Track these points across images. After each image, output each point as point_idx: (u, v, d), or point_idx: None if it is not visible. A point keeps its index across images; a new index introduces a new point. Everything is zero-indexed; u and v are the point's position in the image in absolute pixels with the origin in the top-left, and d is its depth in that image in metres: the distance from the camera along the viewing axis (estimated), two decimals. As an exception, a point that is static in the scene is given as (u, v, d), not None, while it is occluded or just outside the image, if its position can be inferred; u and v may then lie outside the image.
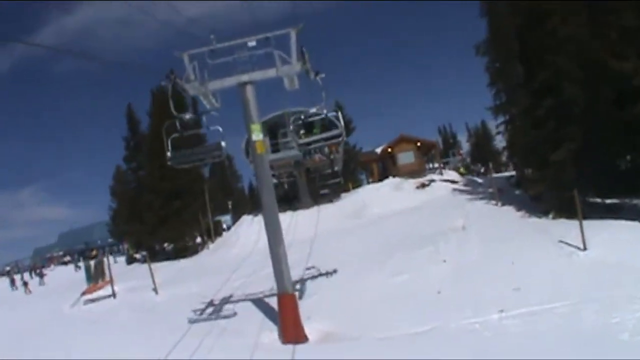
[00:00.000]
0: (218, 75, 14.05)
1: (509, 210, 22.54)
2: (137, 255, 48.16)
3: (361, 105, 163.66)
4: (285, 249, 14.50)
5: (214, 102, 14.45)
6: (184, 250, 40.19)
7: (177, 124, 14.28)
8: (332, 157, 37.62)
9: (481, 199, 27.77)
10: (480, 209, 24.26)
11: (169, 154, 14.52)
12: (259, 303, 17.06)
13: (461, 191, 35.01)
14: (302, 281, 18.36)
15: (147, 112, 45.93)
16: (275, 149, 36.71)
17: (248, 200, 79.60)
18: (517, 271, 14.38)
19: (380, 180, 43.57)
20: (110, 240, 72.20)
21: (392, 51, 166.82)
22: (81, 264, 44.01)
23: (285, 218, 35.25)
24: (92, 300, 23.70)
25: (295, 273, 19.10)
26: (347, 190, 45.17)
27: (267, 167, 13.94)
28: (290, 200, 40.83)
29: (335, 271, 18.73)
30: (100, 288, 25.89)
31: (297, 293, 16.50)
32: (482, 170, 60.26)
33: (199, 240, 42.51)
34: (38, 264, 68.39)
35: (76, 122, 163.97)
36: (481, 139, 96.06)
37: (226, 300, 18.51)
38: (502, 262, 15.25)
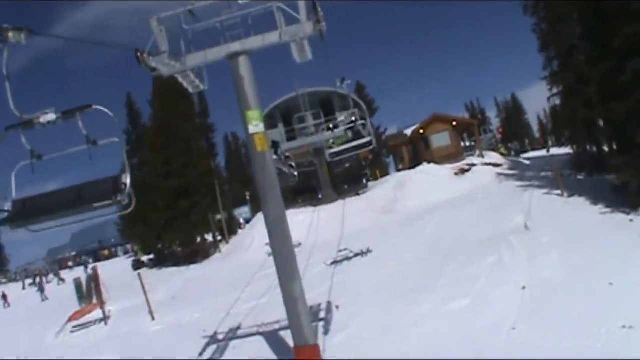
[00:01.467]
0: (201, 46, 10.63)
1: (581, 203, 18.84)
2: (145, 259, 45.31)
3: (384, 83, 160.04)
4: (302, 285, 11.00)
5: (198, 83, 11.05)
6: (194, 255, 37.22)
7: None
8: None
9: (538, 187, 24.05)
10: (542, 201, 20.58)
11: None
12: (273, 340, 13.78)
13: (508, 176, 31.38)
14: (328, 308, 14.99)
15: (148, 101, 42.93)
16: (290, 136, 33.35)
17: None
18: (621, 297, 10.84)
19: (412, 166, 39.99)
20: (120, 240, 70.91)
21: (413, 26, 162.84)
22: (90, 267, 41.27)
23: (306, 215, 32.26)
24: (81, 326, 21.13)
25: (317, 294, 15.96)
26: (374, 178, 41.93)
27: (272, 171, 10.49)
28: (310, 192, 37.62)
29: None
30: (91, 310, 23.15)
31: (320, 327, 13.24)
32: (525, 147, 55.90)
33: (212, 238, 39.41)
34: (44, 269, 66.80)
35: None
36: (512, 113, 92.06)
37: (233, 333, 15.32)
38: (594, 282, 11.73)
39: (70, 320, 21.96)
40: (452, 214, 23.16)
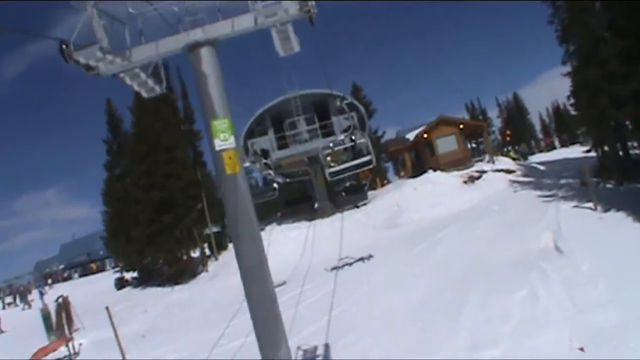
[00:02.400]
0: (153, 36, 8.35)
1: (621, 220, 16.51)
2: (129, 277, 42.93)
3: (380, 83, 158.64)
4: (289, 352, 8.61)
5: (152, 85, 8.77)
6: (180, 274, 34.94)
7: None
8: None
9: (563, 198, 21.84)
10: (571, 216, 18.31)
11: None
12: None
13: (523, 185, 29.22)
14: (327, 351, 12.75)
15: (128, 107, 40.66)
16: (282, 143, 31.18)
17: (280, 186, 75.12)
18: None
19: (415, 174, 37.81)
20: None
21: (413, 25, 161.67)
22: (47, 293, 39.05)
23: (300, 231, 30.02)
24: (45, 367, 19.00)
25: (312, 332, 13.75)
26: (374, 187, 39.76)
27: (246, 199, 8.11)
28: (304, 202, 35.48)
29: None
30: (58, 346, 21.05)
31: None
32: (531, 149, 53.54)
33: (200, 254, 37.21)
34: (31, 285, 64.96)
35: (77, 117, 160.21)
36: (514, 113, 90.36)
37: (211, 388, 13.08)
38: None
39: (32, 358, 19.89)
40: (466, 230, 20.95)
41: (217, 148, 7.75)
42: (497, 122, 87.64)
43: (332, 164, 25.30)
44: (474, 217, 23.10)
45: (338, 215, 30.82)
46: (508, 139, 54.09)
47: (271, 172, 34.07)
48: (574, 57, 24.25)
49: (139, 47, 8.20)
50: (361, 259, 21.85)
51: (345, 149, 25.71)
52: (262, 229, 31.87)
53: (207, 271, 34.71)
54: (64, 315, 22.82)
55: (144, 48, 8.17)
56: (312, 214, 32.70)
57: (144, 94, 8.94)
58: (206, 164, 42.21)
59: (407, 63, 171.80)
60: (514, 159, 41.51)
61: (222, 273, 30.97)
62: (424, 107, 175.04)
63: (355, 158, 24.83)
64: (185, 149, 38.75)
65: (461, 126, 36.87)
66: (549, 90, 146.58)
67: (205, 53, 7.85)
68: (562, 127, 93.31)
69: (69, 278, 73.34)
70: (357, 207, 31.82)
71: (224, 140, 7.74)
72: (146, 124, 36.70)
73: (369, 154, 24.25)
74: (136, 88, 8.77)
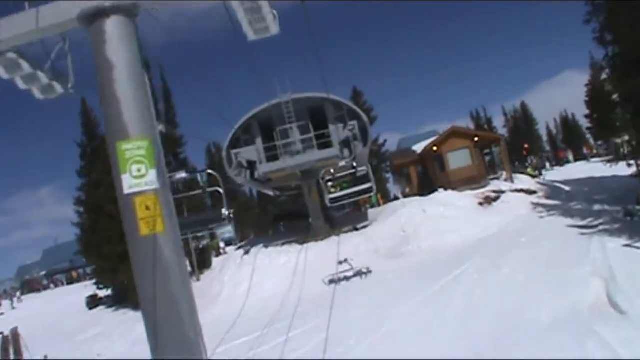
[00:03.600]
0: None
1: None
2: (102, 294, 39.77)
3: (382, 89, 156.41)
4: None
5: (47, 81, 5.68)
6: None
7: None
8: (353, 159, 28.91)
9: (607, 232, 18.86)
10: (623, 258, 15.29)
11: None
12: None
13: (549, 209, 26.34)
14: None
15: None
16: (272, 154, 28.21)
17: (256, 205, 72.05)
18: None
19: (422, 192, 34.79)
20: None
21: (415, 26, 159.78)
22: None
23: (290, 257, 27.05)
24: None
25: None
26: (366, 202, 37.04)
27: (175, 279, 5.00)
28: (295, 219, 32.61)
29: None
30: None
31: None
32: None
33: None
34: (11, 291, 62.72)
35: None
36: (521, 124, 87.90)
37: None
38: None
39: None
40: (489, 268, 17.95)
41: (127, 190, 4.74)
42: (502, 132, 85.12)
43: (332, 190, 26.03)
44: (496, 251, 20.14)
45: (334, 239, 27.81)
46: (525, 153, 50.70)
47: (258, 186, 31.24)
48: (612, 62, 21.50)
49: (10, 17, 5.21)
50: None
51: (342, 148, 26.09)
52: (247, 251, 29.19)
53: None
54: (11, 350, 19.86)
55: (15, 20, 5.15)
56: (304, 236, 29.71)
57: (37, 95, 5.94)
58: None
59: (409, 67, 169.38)
60: (532, 177, 38.57)
61: (202, 299, 27.88)
62: (427, 113, 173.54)
63: (355, 184, 25.60)
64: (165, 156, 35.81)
65: (476, 139, 33.92)
66: (549, 99, 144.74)
67: (111, 26, 4.84)
68: (571, 140, 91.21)
69: (48, 287, 70.55)
70: (356, 229, 28.82)
71: (138, 176, 4.73)
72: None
73: (369, 181, 25.03)
74: (20, 85, 5.77)
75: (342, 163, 27.32)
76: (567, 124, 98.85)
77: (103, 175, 34.80)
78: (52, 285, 67.33)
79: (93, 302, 39.09)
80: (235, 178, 29.25)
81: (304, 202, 33.62)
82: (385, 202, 48.91)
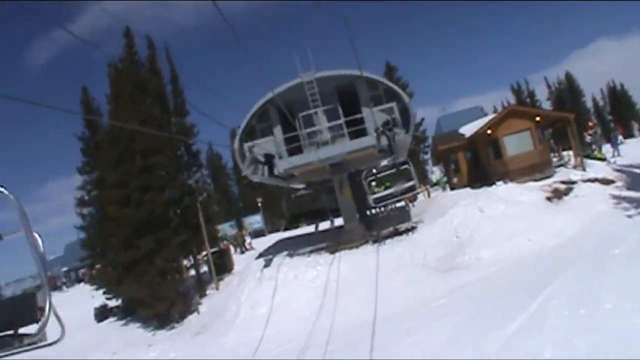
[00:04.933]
0: None
1: None
2: (113, 305, 36.53)
3: (416, 62, 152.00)
4: None
5: None
6: (168, 311, 28.76)
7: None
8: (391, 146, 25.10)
9: None
10: None
11: None
12: None
13: (637, 204, 21.89)
14: None
15: (106, 95, 34.11)
16: (294, 146, 24.31)
17: (286, 192, 69.01)
18: None
19: (473, 184, 30.61)
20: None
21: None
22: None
23: (320, 271, 23.22)
24: None
25: None
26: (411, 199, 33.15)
27: None
28: (313, 218, 29.08)
29: None
30: None
31: None
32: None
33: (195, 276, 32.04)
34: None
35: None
36: (565, 95, 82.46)
37: None
38: None
39: None
40: (581, 296, 13.77)
41: None
42: (545, 105, 79.98)
43: (376, 190, 26.93)
44: (583, 268, 15.94)
45: (371, 246, 23.90)
46: (590, 131, 45.35)
47: (279, 183, 27.53)
48: None
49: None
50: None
51: (378, 136, 23.47)
52: (268, 262, 25.50)
53: (198, 312, 28.30)
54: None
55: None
56: (335, 241, 25.87)
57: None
58: (201, 168, 35.80)
59: (442, 39, 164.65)
60: (601, 160, 33.93)
61: (215, 322, 24.52)
62: (462, 87, 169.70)
63: (398, 182, 26.37)
64: (172, 150, 32.09)
65: (538, 119, 29.34)
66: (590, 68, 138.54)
67: None
68: (620, 112, 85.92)
69: (64, 285, 68.24)
70: (399, 232, 24.78)
71: None
72: (121, 119, 30.32)
73: (412, 179, 26.02)
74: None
75: (384, 161, 27.04)
76: (616, 95, 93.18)
77: (107, 172, 31.57)
78: (64, 287, 64.74)
79: (102, 314, 36.10)
80: (250, 176, 25.44)
81: (325, 197, 30.31)
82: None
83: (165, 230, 29.16)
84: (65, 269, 77.39)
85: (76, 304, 42.58)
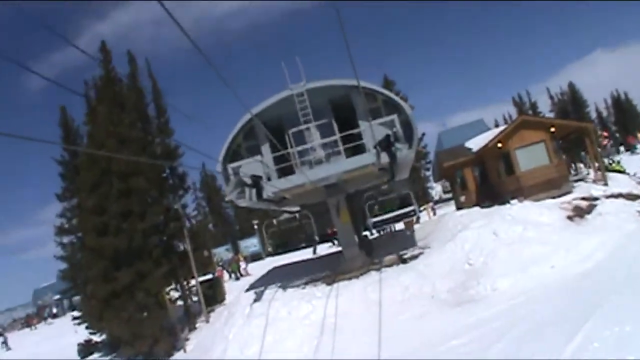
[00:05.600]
0: None
1: None
2: (98, 339, 34.16)
3: (412, 77, 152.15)
4: None
5: None
6: (153, 346, 27.02)
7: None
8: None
9: None
10: None
11: None
12: None
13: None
14: None
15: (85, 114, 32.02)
16: (285, 167, 22.11)
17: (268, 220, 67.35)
18: None
19: (482, 202, 28.51)
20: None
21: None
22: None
23: (315, 305, 20.94)
24: None
25: None
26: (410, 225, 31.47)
27: None
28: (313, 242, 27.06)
29: None
30: None
31: None
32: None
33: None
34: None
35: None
36: (568, 105, 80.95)
37: None
38: None
39: None
40: (625, 340, 11.52)
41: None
42: (549, 116, 78.75)
43: (378, 212, 27.19)
44: (617, 301, 13.67)
45: (374, 276, 21.67)
46: (605, 142, 43.07)
47: (269, 206, 25.39)
48: None
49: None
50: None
51: (378, 152, 21.36)
52: (259, 295, 23.27)
53: (184, 350, 26.16)
54: None
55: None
56: (333, 270, 23.66)
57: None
58: (188, 190, 33.50)
59: (440, 53, 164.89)
60: (620, 172, 31.73)
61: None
62: (462, 102, 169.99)
63: (399, 207, 27.34)
64: (155, 172, 29.87)
65: (552, 129, 27.14)
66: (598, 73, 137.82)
67: None
68: (625, 123, 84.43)
69: (48, 317, 65.65)
70: (403, 260, 22.55)
71: None
72: (97, 141, 28.26)
73: (411, 204, 26.93)
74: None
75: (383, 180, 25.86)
76: (620, 104, 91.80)
77: (84, 197, 29.43)
78: (49, 319, 62.36)
79: (86, 350, 34.08)
80: (236, 201, 23.21)
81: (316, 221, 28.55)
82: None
83: (146, 261, 26.99)
84: (57, 296, 75.01)
85: (61, 336, 40.38)
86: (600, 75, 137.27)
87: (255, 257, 58.33)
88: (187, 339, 27.45)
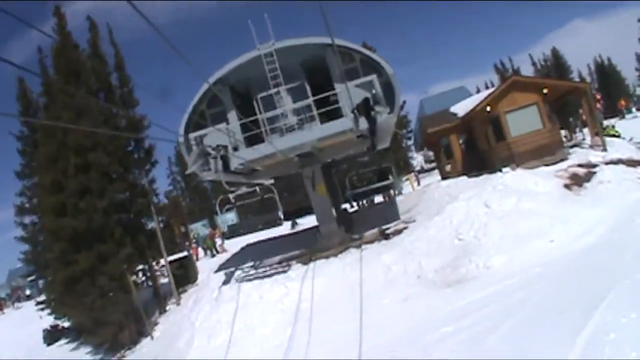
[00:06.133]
0: None
1: None
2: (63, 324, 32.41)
3: (393, 48, 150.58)
4: None
5: None
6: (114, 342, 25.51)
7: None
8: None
9: None
10: None
11: None
12: None
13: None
14: None
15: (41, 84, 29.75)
16: (254, 136, 20.00)
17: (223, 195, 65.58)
18: None
19: (469, 171, 26.82)
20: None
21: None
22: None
23: (289, 288, 19.19)
24: None
25: None
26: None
27: None
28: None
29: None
30: None
31: None
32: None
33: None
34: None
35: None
36: (552, 72, 79.95)
37: None
38: None
39: None
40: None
41: None
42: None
43: (357, 184, 26.88)
44: (630, 281, 11.93)
45: (353, 254, 19.86)
46: (598, 106, 41.23)
47: (239, 179, 23.42)
48: None
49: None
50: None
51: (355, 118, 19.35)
52: (228, 279, 21.50)
53: (151, 337, 24.40)
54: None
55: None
56: (309, 248, 21.83)
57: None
58: (155, 165, 31.26)
59: (418, 24, 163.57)
60: (616, 137, 29.97)
61: (168, 351, 20.69)
62: (443, 72, 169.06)
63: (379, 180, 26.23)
64: (118, 146, 27.67)
65: (545, 91, 25.15)
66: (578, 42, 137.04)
67: None
68: (609, 89, 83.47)
69: (16, 301, 63.21)
70: (386, 236, 20.75)
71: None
72: (53, 113, 26.16)
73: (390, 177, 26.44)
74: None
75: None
76: (603, 70, 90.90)
77: (41, 174, 27.39)
78: (18, 302, 60.17)
79: (52, 336, 32.73)
80: (200, 173, 21.15)
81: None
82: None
83: (107, 243, 24.97)
84: (32, 278, 72.76)
85: (31, 322, 38.43)
86: (581, 43, 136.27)
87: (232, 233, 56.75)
88: (157, 324, 25.82)
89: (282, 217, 24.10)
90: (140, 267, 28.40)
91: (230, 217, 62.97)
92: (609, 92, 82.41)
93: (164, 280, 29.51)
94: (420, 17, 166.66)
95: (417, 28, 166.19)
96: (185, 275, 30.24)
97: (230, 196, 23.97)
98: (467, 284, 15.99)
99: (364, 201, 33.78)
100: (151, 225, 28.90)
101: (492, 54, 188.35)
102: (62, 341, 31.79)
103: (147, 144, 29.69)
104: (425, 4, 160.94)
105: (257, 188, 24.43)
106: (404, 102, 54.79)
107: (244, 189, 24.36)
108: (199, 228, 60.87)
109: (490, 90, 30.48)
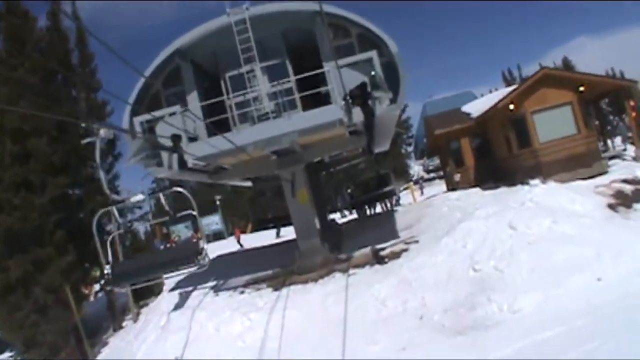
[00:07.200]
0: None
1: None
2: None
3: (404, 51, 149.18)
4: None
5: None
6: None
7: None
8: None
9: None
10: None
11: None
12: None
13: None
14: None
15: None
16: (219, 125, 15.86)
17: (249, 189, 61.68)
18: None
19: (482, 182, 22.95)
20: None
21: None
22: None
23: (254, 320, 15.02)
24: None
25: None
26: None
27: None
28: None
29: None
30: None
31: None
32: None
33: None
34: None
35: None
36: None
37: None
38: None
39: None
40: None
41: None
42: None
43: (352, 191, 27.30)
44: None
45: (338, 281, 15.94)
46: (634, 113, 37.23)
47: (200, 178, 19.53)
48: None
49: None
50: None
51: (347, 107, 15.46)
52: (181, 304, 17.68)
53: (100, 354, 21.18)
54: None
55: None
56: (284, 271, 17.85)
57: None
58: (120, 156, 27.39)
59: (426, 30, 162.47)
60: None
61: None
62: (450, 80, 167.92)
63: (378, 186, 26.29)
64: (74, 134, 23.78)
65: (582, 88, 21.02)
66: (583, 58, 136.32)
67: None
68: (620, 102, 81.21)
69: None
70: (380, 258, 16.78)
71: None
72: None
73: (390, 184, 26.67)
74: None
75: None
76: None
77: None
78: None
79: (-5, 347, 30.05)
80: (146, 168, 17.15)
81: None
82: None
83: (48, 247, 21.14)
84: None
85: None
86: (587, 59, 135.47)
87: (217, 236, 53.94)
88: (106, 344, 21.99)
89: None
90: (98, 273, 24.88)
91: (214, 220, 59.82)
92: (621, 106, 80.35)
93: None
94: (425, 22, 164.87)
95: (423, 34, 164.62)
96: (149, 285, 26.47)
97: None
98: (486, 333, 12.05)
99: (360, 210, 30.50)
100: (109, 227, 25.27)
101: (498, 65, 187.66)
102: (6, 354, 28.40)
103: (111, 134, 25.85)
104: (431, 10, 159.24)
105: None
106: (406, 105, 50.85)
107: None
108: (180, 230, 57.65)
109: (513, 87, 26.33)
